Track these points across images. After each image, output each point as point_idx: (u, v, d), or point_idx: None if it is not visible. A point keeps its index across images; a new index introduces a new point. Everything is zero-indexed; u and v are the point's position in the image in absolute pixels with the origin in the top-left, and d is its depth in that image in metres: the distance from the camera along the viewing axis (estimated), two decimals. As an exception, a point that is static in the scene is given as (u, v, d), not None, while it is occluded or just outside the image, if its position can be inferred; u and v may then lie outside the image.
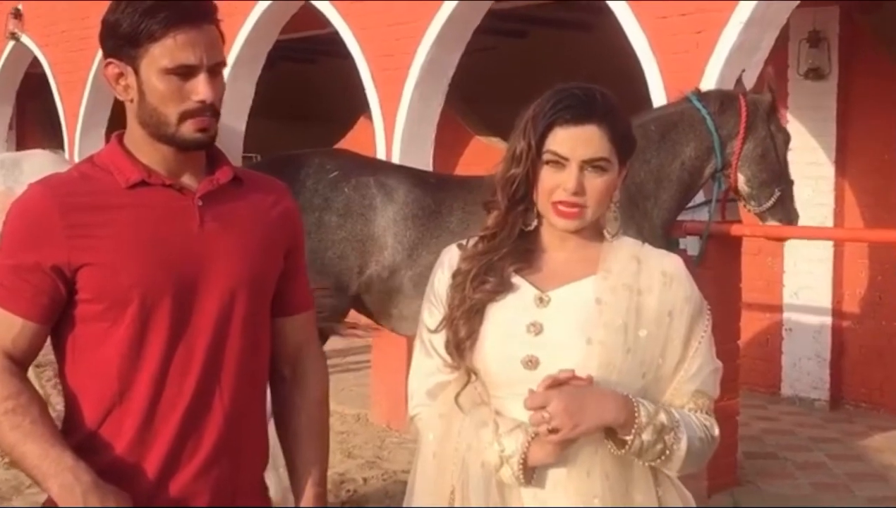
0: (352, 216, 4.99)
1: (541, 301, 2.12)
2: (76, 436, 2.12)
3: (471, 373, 2.15)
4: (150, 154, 2.13)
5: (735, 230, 5.77)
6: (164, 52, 2.04)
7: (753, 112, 5.29)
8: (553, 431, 1.96)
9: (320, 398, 2.34)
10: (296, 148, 5.49)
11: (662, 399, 2.11)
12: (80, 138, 10.82)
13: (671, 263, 2.18)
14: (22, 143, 16.84)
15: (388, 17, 7.56)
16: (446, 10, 7.15)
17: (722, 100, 5.33)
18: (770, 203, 5.34)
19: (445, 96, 7.55)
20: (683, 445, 2.05)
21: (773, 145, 5.33)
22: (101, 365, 2.09)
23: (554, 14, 10.36)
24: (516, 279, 2.14)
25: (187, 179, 2.16)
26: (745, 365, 8.47)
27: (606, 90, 2.15)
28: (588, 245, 2.17)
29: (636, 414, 2.00)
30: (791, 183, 5.46)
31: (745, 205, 5.50)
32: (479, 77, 12.95)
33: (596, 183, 2.09)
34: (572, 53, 11.19)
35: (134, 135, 2.15)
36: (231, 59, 8.73)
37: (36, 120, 16.04)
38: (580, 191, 2.08)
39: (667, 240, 5.27)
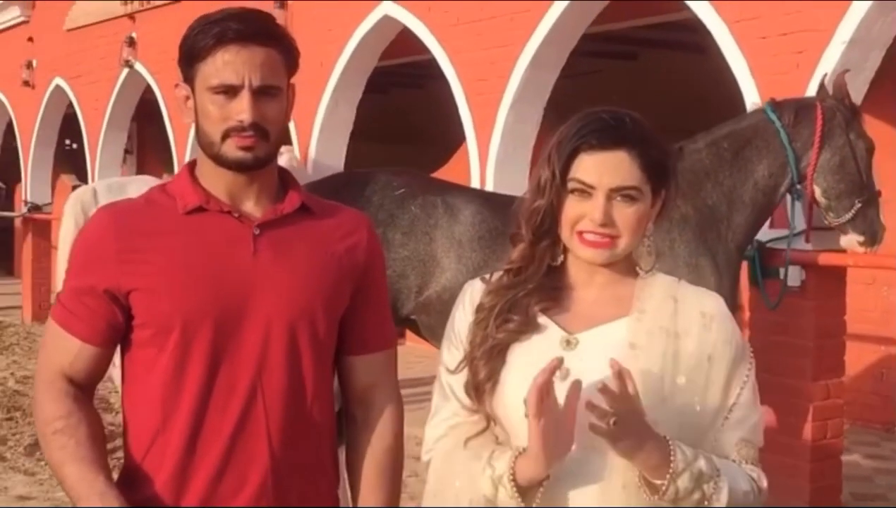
0: (416, 235, 4.88)
1: (568, 343, 1.96)
2: (127, 465, 2.12)
3: (490, 420, 2.00)
4: (213, 180, 2.12)
5: (832, 259, 5.48)
6: (211, 71, 2.05)
7: (830, 119, 4.98)
8: (604, 418, 1.77)
9: (392, 444, 2.23)
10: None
11: (702, 448, 1.93)
12: (189, 163, 11.02)
13: (711, 303, 2.00)
14: (142, 167, 17.36)
15: (483, 41, 7.48)
16: (542, 32, 7.04)
17: (797, 110, 5.01)
18: (849, 215, 5.01)
19: (543, 120, 7.41)
20: (724, 496, 1.86)
21: (852, 154, 4.99)
22: (149, 392, 2.08)
23: (666, 35, 10.13)
24: (542, 319, 1.99)
25: (251, 207, 2.13)
26: (859, 400, 8.12)
27: (638, 115, 1.99)
28: (619, 282, 2.01)
29: (672, 457, 1.82)
30: (877, 193, 5.11)
31: (825, 219, 5.18)
32: (584, 101, 12.77)
33: (626, 213, 1.93)
34: (683, 76, 10.94)
35: (200, 159, 2.15)
36: (331, 84, 8.81)
37: (155, 145, 16.48)
38: (608, 222, 1.92)
39: (741, 263, 5.00)
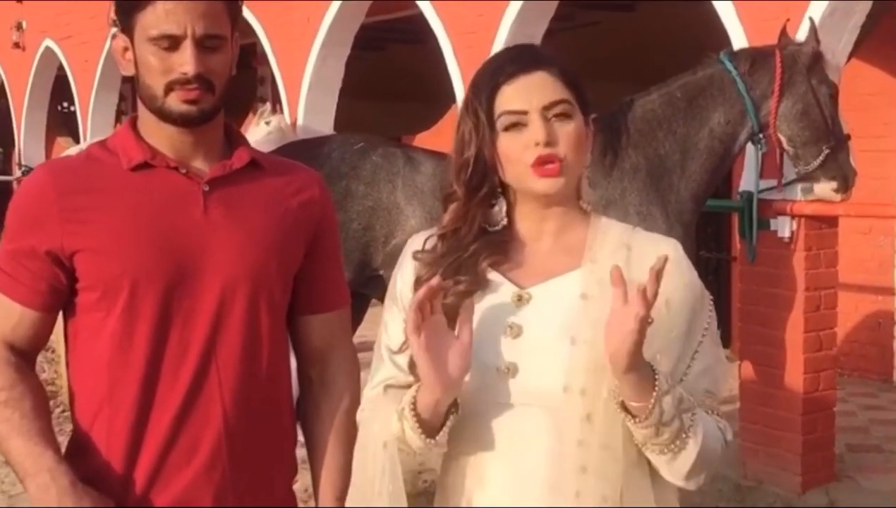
0: (378, 183, 4.89)
1: (520, 299, 1.87)
2: (74, 435, 2.05)
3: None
4: (157, 135, 2.03)
5: (821, 209, 5.38)
6: (150, 22, 1.95)
7: (790, 66, 4.91)
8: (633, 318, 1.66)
9: (349, 404, 2.16)
10: (393, 128, 5.40)
11: None
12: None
13: (667, 248, 1.87)
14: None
15: (471, -8, 7.35)
16: (528, -17, 6.91)
17: (754, 58, 4.95)
18: (817, 162, 4.95)
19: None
20: (700, 432, 1.77)
21: (815, 100, 4.92)
22: (96, 359, 2.01)
23: (664, -15, 10.00)
24: (493, 275, 1.89)
25: (199, 163, 2.05)
26: (855, 350, 8.07)
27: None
28: (570, 227, 1.91)
29: (656, 377, 1.73)
30: (845, 138, 5.03)
31: (794, 168, 5.10)
32: (582, 53, 12.65)
33: (566, 130, 1.83)
34: (682, 26, 10.78)
35: (142, 114, 2.06)
36: (319, 41, 8.69)
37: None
38: (552, 140, 1.81)
39: (697, 211, 4.95)
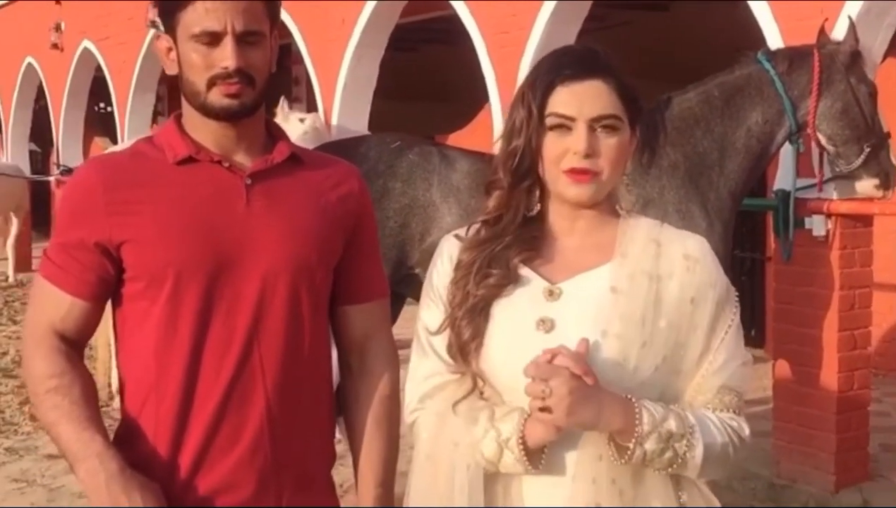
0: (415, 181, 4.94)
1: (551, 294, 1.92)
2: (123, 421, 2.12)
3: (476, 379, 1.95)
4: (201, 130, 2.10)
5: (856, 208, 5.41)
6: (192, 20, 2.03)
7: (828, 66, 4.92)
8: (544, 410, 1.77)
9: (388, 392, 2.22)
10: (425, 128, 5.45)
11: (684, 395, 1.91)
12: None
13: (695, 245, 1.95)
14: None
15: (505, -7, 7.39)
16: (562, -17, 6.94)
17: (791, 58, 4.96)
18: (859, 160, 4.96)
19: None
20: (699, 452, 1.83)
21: (854, 99, 4.93)
22: (142, 348, 2.07)
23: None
24: (524, 270, 1.95)
25: (241, 158, 2.12)
26: (891, 350, 8.05)
27: (608, 50, 1.94)
28: (601, 227, 1.96)
29: (636, 422, 1.79)
30: (886, 136, 5.04)
31: (836, 166, 5.12)
32: (616, 53, 12.62)
33: (608, 144, 1.88)
34: (716, 27, 10.76)
35: (186, 111, 2.13)
36: (353, 42, 8.75)
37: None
38: (592, 152, 1.86)
39: (735, 209, 4.96)
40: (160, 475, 2.03)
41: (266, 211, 2.08)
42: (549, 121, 1.88)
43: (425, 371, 2.01)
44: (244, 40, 2.03)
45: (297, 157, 2.16)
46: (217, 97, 2.04)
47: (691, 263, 1.91)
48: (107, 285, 2.08)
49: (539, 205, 1.97)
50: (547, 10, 7.05)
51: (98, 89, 14.40)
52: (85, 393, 2.05)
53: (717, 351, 1.90)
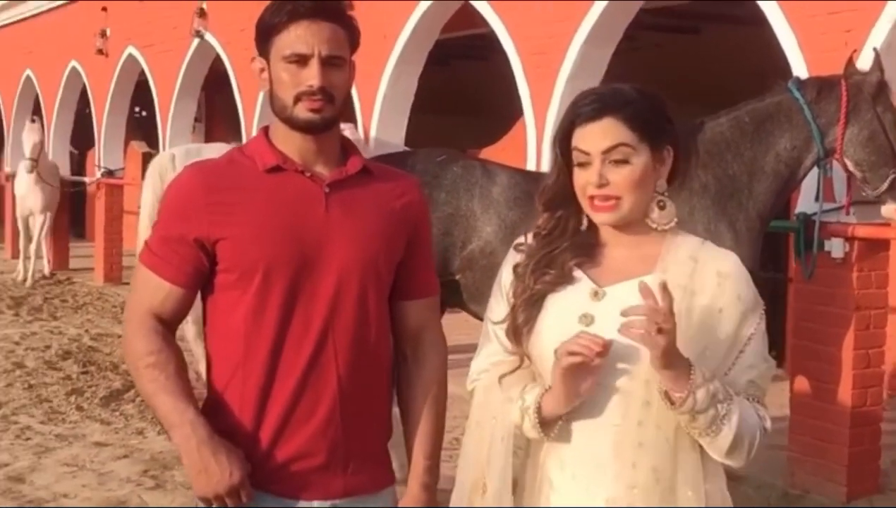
0: (458, 192, 5.26)
1: (595, 295, 2.22)
2: (211, 395, 2.42)
3: (524, 358, 2.28)
4: (287, 143, 2.40)
5: (873, 232, 5.67)
6: (284, 43, 2.34)
7: (856, 95, 5.16)
8: (660, 332, 2.01)
9: (438, 378, 2.53)
10: (458, 142, 5.74)
11: None
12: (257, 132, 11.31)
13: (727, 263, 2.25)
14: (210, 135, 17.78)
15: (542, 14, 7.66)
16: (599, 6, 7.20)
17: (820, 87, 5.22)
18: (886, 185, 5.20)
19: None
20: (735, 419, 2.11)
21: (881, 127, 5.17)
22: (232, 330, 2.37)
23: (729, 10, 10.22)
24: (577, 272, 2.26)
25: (320, 168, 2.42)
26: (906, 372, 8.23)
27: (629, 86, 2.24)
28: (646, 240, 2.26)
29: (692, 373, 2.07)
30: None
31: (863, 191, 5.36)
32: (646, 75, 12.84)
33: (621, 173, 2.17)
34: (747, 51, 11.00)
35: (274, 125, 2.44)
36: (394, 57, 9.05)
37: (223, 114, 16.86)
38: (604, 182, 2.17)
39: (763, 231, 5.21)
40: (244, 442, 2.34)
41: (341, 216, 2.38)
42: (574, 157, 2.21)
43: (487, 351, 2.35)
44: (328, 63, 2.34)
45: (367, 170, 2.47)
46: (302, 111, 2.35)
47: (722, 279, 2.21)
48: (201, 275, 2.39)
49: (587, 222, 2.28)
50: (583, 33, 7.31)
51: (135, 94, 14.77)
52: (178, 368, 2.36)
53: (742, 354, 2.19)
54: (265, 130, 2.48)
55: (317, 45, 2.32)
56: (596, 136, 2.18)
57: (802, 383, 6.00)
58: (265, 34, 2.39)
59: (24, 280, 14.12)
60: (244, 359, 2.35)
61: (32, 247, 14.32)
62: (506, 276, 2.35)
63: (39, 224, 14.31)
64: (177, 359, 2.37)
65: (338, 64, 2.36)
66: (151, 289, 2.38)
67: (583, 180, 2.20)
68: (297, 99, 2.34)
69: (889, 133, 5.20)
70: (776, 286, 9.36)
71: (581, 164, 2.20)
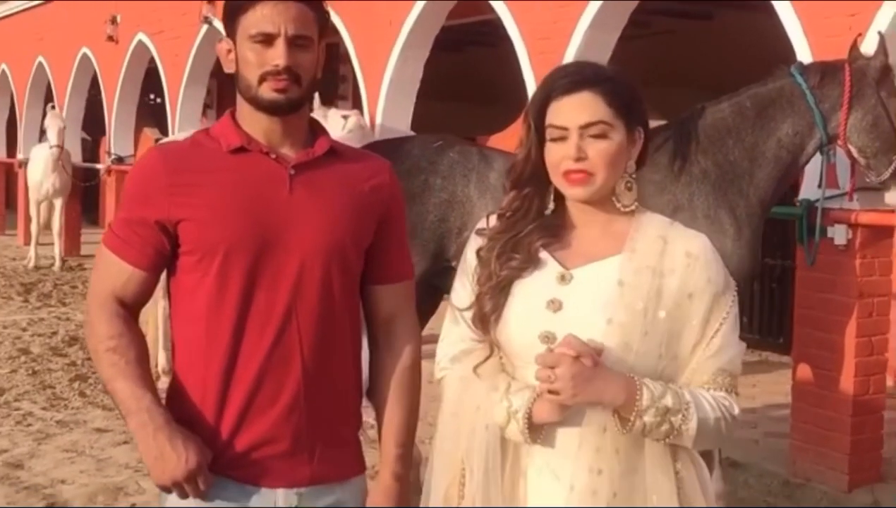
0: (454, 177, 5.21)
1: (562, 278, 2.18)
2: (175, 378, 2.39)
3: (493, 346, 2.24)
4: (252, 124, 2.36)
5: (876, 219, 5.61)
6: (250, 22, 2.30)
7: (859, 80, 5.08)
8: (552, 392, 2.04)
9: (410, 364, 2.48)
10: (466, 129, 5.71)
11: (681, 377, 2.16)
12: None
13: (697, 244, 2.20)
14: (222, 122, 17.73)
15: (546, -1, 7.62)
16: (603, -8, 7.15)
17: (823, 72, 5.14)
18: (889, 172, 5.11)
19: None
20: (693, 425, 2.08)
21: (885, 112, 5.09)
22: (194, 313, 2.34)
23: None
24: (544, 254, 2.21)
25: (286, 150, 2.37)
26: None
27: (602, 64, 2.21)
28: (613, 219, 2.21)
29: (637, 397, 2.05)
30: None
31: (867, 177, 5.28)
32: (657, 60, 12.81)
33: (598, 147, 2.13)
34: (759, 37, 10.91)
35: (240, 106, 2.40)
36: (400, 43, 9.01)
37: (234, 100, 16.77)
38: (582, 156, 2.12)
39: (764, 217, 5.14)
40: (206, 428, 2.30)
41: (306, 198, 2.34)
42: (548, 133, 2.16)
43: (455, 336, 2.31)
44: (294, 43, 2.30)
45: (335, 151, 2.42)
46: (267, 91, 2.30)
47: (692, 260, 2.16)
48: (163, 258, 2.35)
49: (553, 204, 2.23)
50: (587, 17, 7.25)
51: (148, 81, 14.77)
52: (139, 353, 2.32)
53: (714, 339, 2.15)
54: (232, 112, 2.44)
55: (283, 25, 2.28)
56: (574, 109, 2.13)
57: (805, 371, 5.95)
58: (232, 14, 2.35)
59: (36, 266, 14.17)
60: (206, 343, 2.32)
61: (55, 230, 14.33)
62: (470, 260, 2.30)
63: (59, 208, 14.35)
64: (138, 345, 2.34)
65: (304, 44, 2.32)
66: (114, 273, 2.35)
67: (558, 155, 2.15)
68: (262, 79, 2.30)
69: (893, 118, 5.11)
70: (784, 273, 9.30)
71: (555, 139, 2.15)
